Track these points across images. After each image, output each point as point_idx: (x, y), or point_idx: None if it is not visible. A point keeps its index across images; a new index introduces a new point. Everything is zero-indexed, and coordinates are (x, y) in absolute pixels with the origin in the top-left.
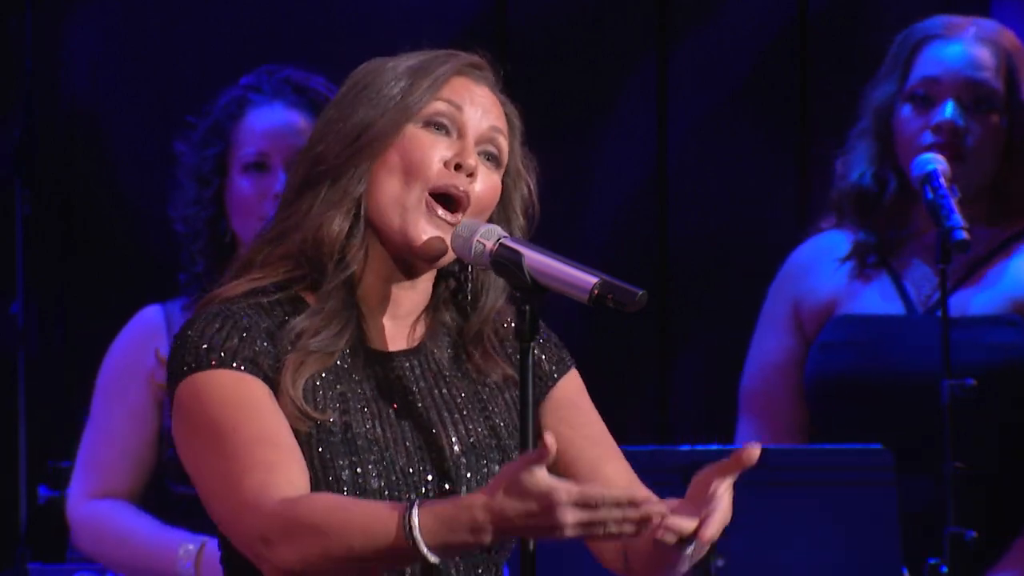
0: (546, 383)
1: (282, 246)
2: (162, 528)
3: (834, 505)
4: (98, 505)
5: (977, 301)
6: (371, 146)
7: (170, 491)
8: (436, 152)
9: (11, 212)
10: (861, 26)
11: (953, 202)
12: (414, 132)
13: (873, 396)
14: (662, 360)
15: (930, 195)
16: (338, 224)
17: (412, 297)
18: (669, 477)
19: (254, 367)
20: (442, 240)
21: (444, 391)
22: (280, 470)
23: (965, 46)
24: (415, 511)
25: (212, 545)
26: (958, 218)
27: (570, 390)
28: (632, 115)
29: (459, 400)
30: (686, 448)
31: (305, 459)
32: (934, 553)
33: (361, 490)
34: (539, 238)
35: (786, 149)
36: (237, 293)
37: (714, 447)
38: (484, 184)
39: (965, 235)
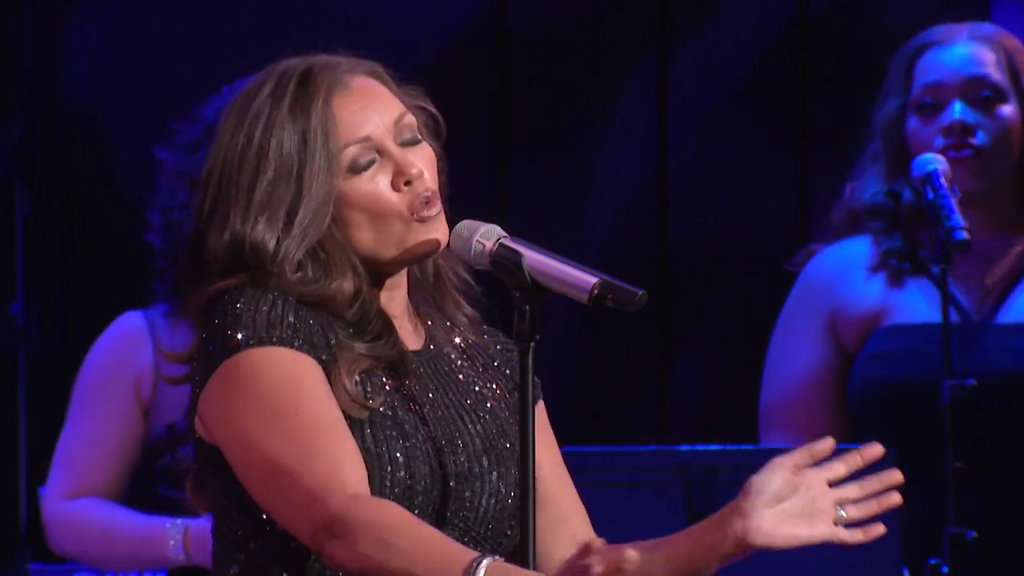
0: (536, 396)
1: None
2: (143, 516)
3: None
4: (75, 503)
5: None
6: (318, 224)
7: (160, 495)
8: (384, 186)
9: (11, 212)
10: (861, 26)
11: (953, 202)
12: (349, 187)
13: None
14: (662, 360)
15: (930, 195)
16: (349, 283)
17: (397, 297)
18: (669, 477)
19: (312, 348)
20: (436, 241)
21: (461, 392)
22: (346, 461)
23: (962, 47)
24: (482, 569)
25: (196, 524)
26: (958, 218)
27: (542, 415)
28: (632, 115)
29: (473, 398)
30: (686, 448)
31: (358, 444)
32: (934, 553)
33: (410, 473)
34: (539, 238)
35: (786, 149)
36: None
37: (714, 447)
38: (427, 166)
39: (965, 235)
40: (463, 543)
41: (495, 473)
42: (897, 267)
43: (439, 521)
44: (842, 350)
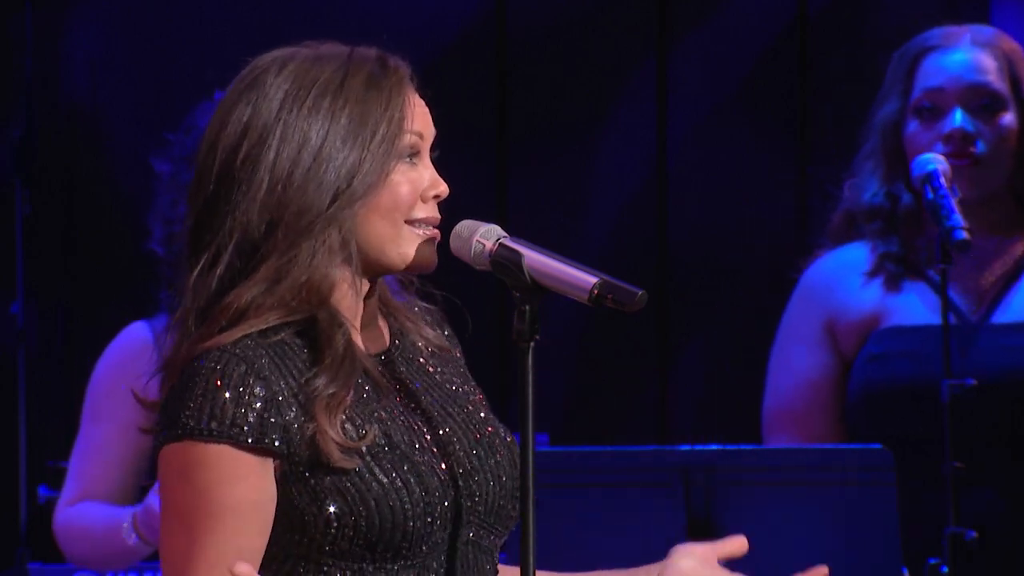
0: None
1: (274, 295)
2: (110, 510)
3: (834, 505)
4: (72, 508)
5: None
6: (365, 194)
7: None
8: (417, 189)
9: (11, 212)
10: (861, 26)
11: (953, 202)
12: (398, 172)
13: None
14: (662, 360)
15: (930, 195)
16: (337, 272)
17: (373, 303)
18: (669, 477)
19: (259, 435)
20: (431, 250)
21: (436, 383)
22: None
23: (964, 52)
24: None
25: (143, 506)
26: (958, 218)
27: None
28: (632, 115)
29: (448, 389)
30: (686, 448)
31: (364, 484)
32: (934, 553)
33: (424, 489)
34: (539, 238)
35: (786, 149)
36: (234, 339)
37: (714, 447)
38: None
39: (965, 235)
40: (478, 534)
41: (491, 460)
42: (895, 271)
43: (457, 523)
44: (841, 355)
